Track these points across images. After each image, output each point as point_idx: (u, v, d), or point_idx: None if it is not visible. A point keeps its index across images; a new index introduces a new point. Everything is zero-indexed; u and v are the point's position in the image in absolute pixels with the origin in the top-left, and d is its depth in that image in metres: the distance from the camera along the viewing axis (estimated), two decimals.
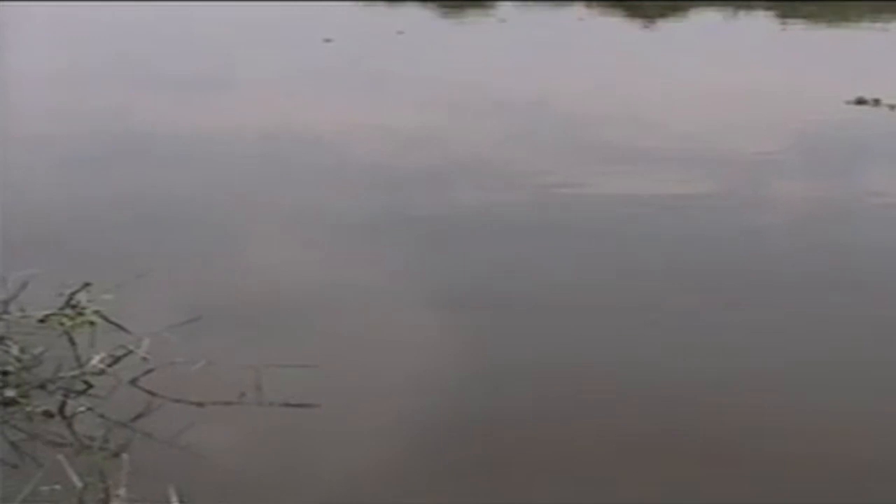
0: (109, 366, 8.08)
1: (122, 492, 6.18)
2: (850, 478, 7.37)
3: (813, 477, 7.33)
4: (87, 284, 8.97)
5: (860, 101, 20.82)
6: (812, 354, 9.44)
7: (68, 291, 8.91)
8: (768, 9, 42.03)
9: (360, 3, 47.44)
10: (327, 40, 32.55)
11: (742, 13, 42.04)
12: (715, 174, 16.17)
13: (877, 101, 20.56)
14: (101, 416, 7.67)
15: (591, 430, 8.02)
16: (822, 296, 11.08)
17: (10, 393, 7.81)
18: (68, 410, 7.70)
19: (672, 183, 15.51)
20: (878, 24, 38.80)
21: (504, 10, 43.82)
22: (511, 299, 10.81)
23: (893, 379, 9.10)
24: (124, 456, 6.80)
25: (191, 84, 24.84)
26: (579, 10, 43.74)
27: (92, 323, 8.74)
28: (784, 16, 40.57)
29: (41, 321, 8.71)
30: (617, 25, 40.24)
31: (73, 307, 8.84)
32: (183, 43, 34.73)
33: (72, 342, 8.32)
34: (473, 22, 42.10)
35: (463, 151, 17.69)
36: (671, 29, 39.47)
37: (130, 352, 8.18)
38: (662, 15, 41.30)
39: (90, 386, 7.96)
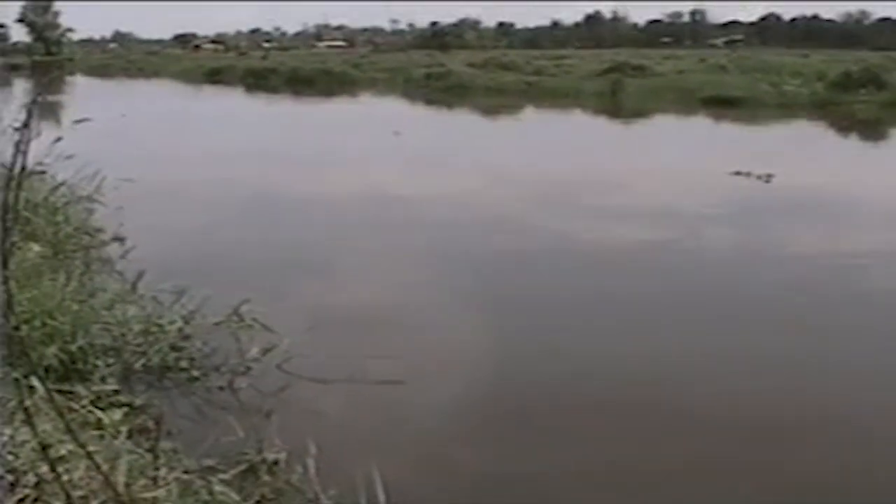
0: (262, 356, 9.49)
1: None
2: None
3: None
4: (245, 300, 10.22)
5: (738, 173, 22.79)
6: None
7: (234, 305, 10.16)
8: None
9: (419, 104, 50.51)
10: (397, 133, 34.65)
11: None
12: (663, 225, 17.94)
13: (748, 174, 22.69)
14: (257, 389, 9.05)
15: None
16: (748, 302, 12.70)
17: (195, 373, 9.21)
18: (234, 385, 9.11)
19: (637, 230, 17.27)
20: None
21: (528, 113, 47.10)
22: (535, 306, 12.46)
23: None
24: (273, 417, 8.39)
25: (307, 162, 27.18)
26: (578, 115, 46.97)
27: (250, 326, 10.00)
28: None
29: (216, 325, 9.99)
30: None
31: (238, 315, 10.11)
32: (298, 133, 37.27)
33: (236, 339, 9.75)
34: (504, 121, 44.60)
35: (496, 211, 19.44)
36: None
37: (276, 346, 9.58)
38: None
39: (249, 369, 9.35)
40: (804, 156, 29.33)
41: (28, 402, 4.52)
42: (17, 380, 4.64)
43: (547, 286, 13.64)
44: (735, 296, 13.22)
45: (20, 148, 3.93)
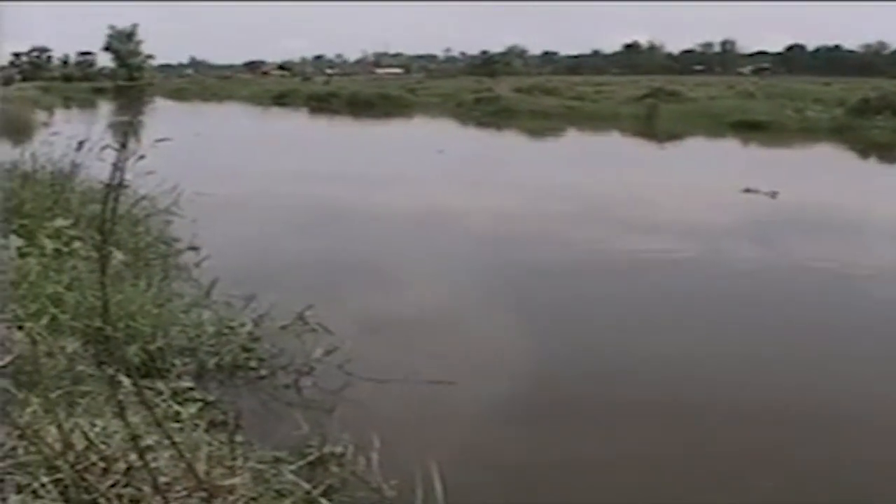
0: (324, 356, 9.58)
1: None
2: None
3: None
4: (309, 306, 10.33)
5: (748, 190, 23.01)
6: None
7: (299, 310, 10.28)
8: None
9: (470, 127, 50.88)
10: (440, 151, 34.83)
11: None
12: (685, 238, 18.08)
13: (756, 191, 22.88)
14: (319, 388, 9.17)
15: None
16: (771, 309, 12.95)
17: (263, 372, 9.31)
18: (299, 384, 9.21)
19: (660, 242, 17.44)
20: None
21: (570, 135, 47.35)
22: (574, 311, 12.64)
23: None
24: (335, 413, 8.58)
25: (365, 178, 27.18)
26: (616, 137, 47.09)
27: (314, 330, 10.10)
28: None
29: (282, 328, 10.08)
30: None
31: (302, 320, 10.21)
32: (357, 151, 37.58)
33: (301, 341, 9.91)
34: (547, 142, 44.70)
35: (537, 225, 19.57)
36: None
37: (337, 348, 9.65)
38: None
39: (313, 369, 9.42)
40: (814, 176, 29.85)
41: (122, 397, 4.62)
42: (111, 376, 4.75)
43: (584, 293, 13.75)
44: (733, 298, 13.54)
45: (118, 165, 4.01)
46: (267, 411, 8.60)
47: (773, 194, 22.67)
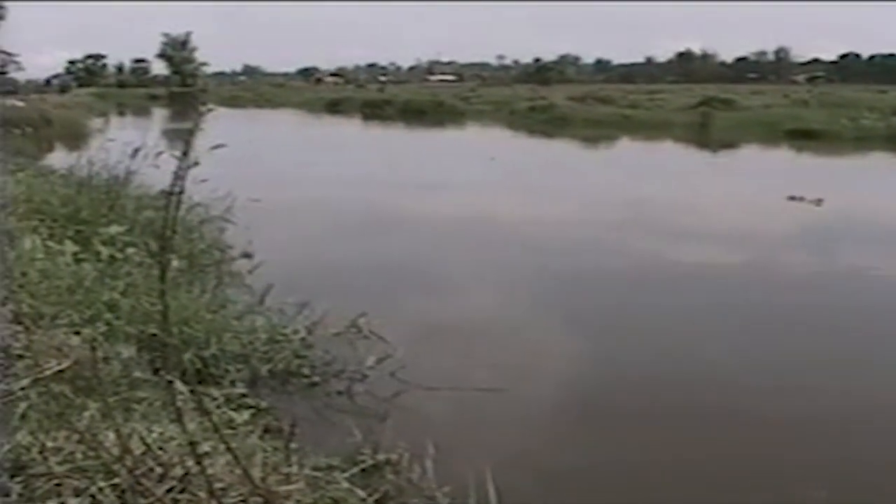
0: (377, 364, 9.60)
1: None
2: None
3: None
4: (362, 313, 10.43)
5: (792, 198, 22.95)
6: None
7: (351, 317, 10.40)
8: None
9: (523, 135, 50.89)
10: (492, 159, 34.88)
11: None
12: (726, 245, 18.14)
13: (802, 198, 22.83)
14: (372, 395, 9.17)
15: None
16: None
17: (315, 379, 9.31)
18: (352, 391, 9.20)
19: (704, 250, 17.55)
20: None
21: (623, 143, 47.55)
22: (625, 319, 12.60)
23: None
24: (387, 420, 8.55)
25: (417, 185, 27.38)
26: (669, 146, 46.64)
27: (367, 337, 10.22)
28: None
29: (335, 335, 10.16)
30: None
31: (355, 327, 10.32)
32: (410, 158, 37.70)
33: (354, 349, 9.97)
34: (600, 151, 44.73)
35: (588, 232, 19.63)
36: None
37: (390, 356, 9.71)
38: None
39: (366, 376, 9.43)
40: (864, 184, 29.60)
41: (179, 403, 4.65)
42: (170, 382, 4.79)
43: (634, 301, 13.73)
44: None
45: (179, 174, 4.05)
46: (319, 418, 8.62)
47: (819, 202, 22.60)
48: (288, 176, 28.40)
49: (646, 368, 10.60)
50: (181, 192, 4.21)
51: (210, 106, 4.29)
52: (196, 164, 4.22)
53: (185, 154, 4.03)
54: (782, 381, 10.15)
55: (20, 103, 56.43)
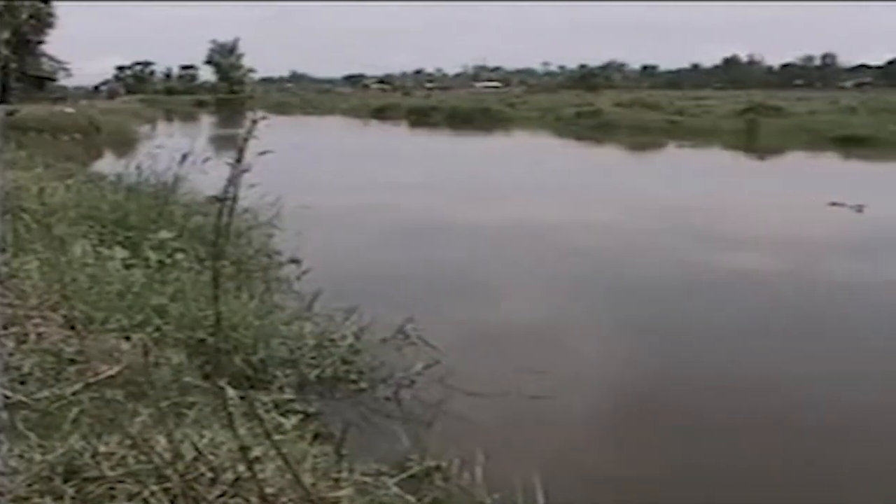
0: (424, 369, 9.62)
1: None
2: None
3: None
4: (409, 319, 10.44)
5: (833, 204, 22.87)
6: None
7: (399, 322, 10.42)
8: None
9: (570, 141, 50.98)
10: (538, 164, 34.96)
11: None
12: (786, 252, 18.09)
13: (843, 204, 22.73)
14: (419, 400, 9.15)
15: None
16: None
17: (363, 384, 9.29)
18: (399, 397, 9.20)
19: (762, 259, 17.43)
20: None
21: (670, 149, 47.64)
22: (672, 326, 12.55)
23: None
24: (435, 426, 8.57)
25: (463, 191, 27.60)
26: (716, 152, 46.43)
27: (414, 343, 10.23)
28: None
29: (383, 341, 10.17)
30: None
31: (402, 333, 10.35)
32: (456, 164, 37.81)
33: (401, 354, 10.00)
34: (647, 157, 44.66)
35: (634, 238, 19.61)
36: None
37: (437, 362, 9.75)
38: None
39: (413, 382, 9.44)
40: None
41: (231, 409, 4.68)
42: (221, 388, 4.82)
43: (681, 307, 13.69)
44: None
45: (232, 181, 4.08)
46: (367, 424, 8.58)
47: (860, 208, 22.49)
48: (334, 181, 28.50)
49: (692, 375, 10.56)
50: (234, 199, 4.23)
51: (262, 114, 4.30)
52: (244, 170, 4.23)
53: (237, 161, 4.04)
54: (832, 390, 10.08)
55: (70, 109, 56.92)
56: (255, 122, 4.07)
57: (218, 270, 4.28)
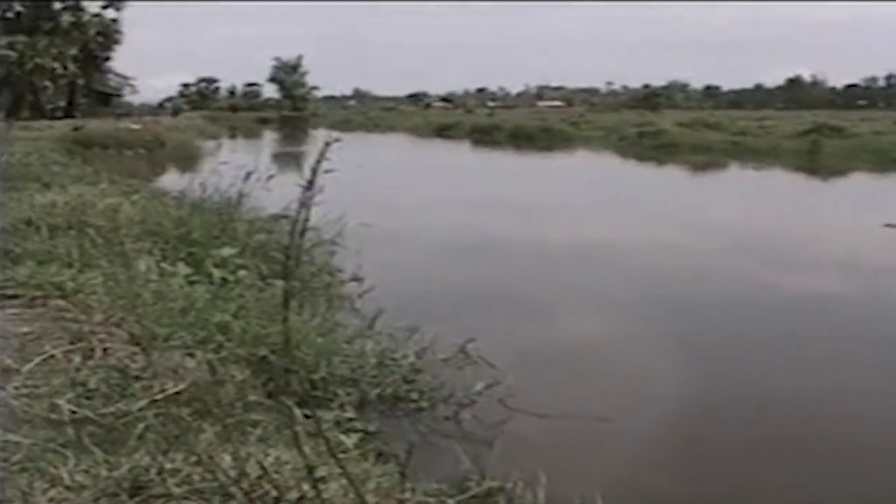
0: (485, 390, 9.54)
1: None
2: None
3: None
4: (471, 339, 10.43)
5: (888, 225, 22.63)
6: None
7: (459, 342, 10.39)
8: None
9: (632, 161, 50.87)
10: (598, 184, 34.83)
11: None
12: (847, 275, 17.88)
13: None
14: (480, 421, 9.07)
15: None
16: None
17: (423, 404, 9.27)
18: (459, 417, 9.13)
19: (822, 281, 17.23)
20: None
21: (731, 170, 47.30)
22: (731, 350, 12.38)
23: None
24: (495, 447, 8.48)
25: (524, 210, 27.52)
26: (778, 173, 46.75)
27: (475, 362, 10.20)
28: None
29: (444, 361, 10.16)
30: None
31: (464, 353, 10.31)
32: (518, 183, 37.79)
33: (462, 374, 9.94)
34: (709, 177, 44.44)
35: (693, 259, 19.48)
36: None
37: (498, 382, 9.64)
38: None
39: (473, 402, 9.37)
40: None
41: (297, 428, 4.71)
42: (288, 407, 4.85)
43: (743, 329, 13.56)
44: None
45: (305, 203, 4.12)
46: (427, 443, 8.57)
47: None
48: (397, 200, 28.59)
49: (755, 398, 10.45)
50: (307, 221, 4.27)
51: (335, 136, 4.34)
52: (319, 192, 4.27)
53: (310, 183, 4.09)
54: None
55: (135, 125, 57.47)
56: (327, 144, 4.11)
57: (289, 291, 4.31)
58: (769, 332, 13.38)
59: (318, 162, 4.06)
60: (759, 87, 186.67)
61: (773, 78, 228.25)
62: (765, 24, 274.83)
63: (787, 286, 16.51)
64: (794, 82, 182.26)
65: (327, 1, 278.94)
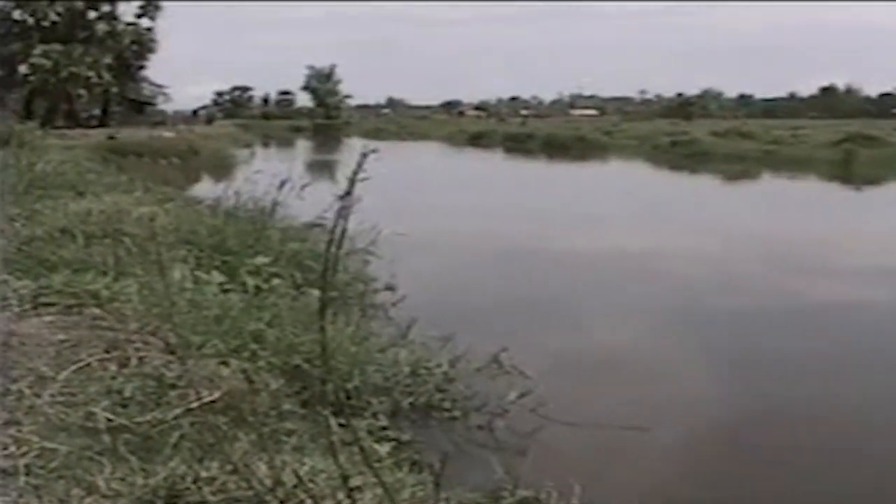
0: (518, 399, 9.53)
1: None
2: None
3: None
4: (504, 349, 10.33)
5: None
6: None
7: (493, 351, 10.30)
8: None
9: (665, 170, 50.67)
10: (631, 193, 34.85)
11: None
12: (884, 284, 17.82)
13: None
14: (512, 430, 9.10)
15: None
16: None
17: (456, 413, 9.32)
18: (492, 426, 9.15)
19: (859, 290, 17.27)
20: None
21: (764, 179, 47.41)
22: (766, 360, 12.32)
23: None
24: (529, 456, 8.55)
25: (556, 219, 27.73)
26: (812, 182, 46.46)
27: (507, 372, 10.14)
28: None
29: (477, 370, 10.11)
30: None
31: (497, 362, 10.23)
32: (550, 192, 37.78)
33: (495, 383, 9.90)
34: (742, 186, 44.45)
35: (726, 267, 19.80)
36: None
37: (531, 391, 9.60)
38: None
39: (506, 411, 9.38)
40: None
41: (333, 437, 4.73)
42: (325, 416, 4.87)
43: (777, 340, 13.55)
44: None
45: (342, 214, 4.14)
46: (459, 452, 8.58)
47: None
48: (429, 208, 28.63)
49: (792, 407, 10.44)
50: (344, 231, 4.29)
51: (372, 146, 4.36)
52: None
53: (347, 194, 4.11)
54: None
55: (169, 134, 57.74)
56: (364, 155, 4.13)
57: (326, 301, 4.33)
58: (805, 341, 13.37)
59: (355, 173, 4.08)
60: (792, 96, 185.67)
61: (807, 87, 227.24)
62: (799, 32, 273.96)
63: (822, 295, 16.47)
64: (828, 91, 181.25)
65: (361, 1, 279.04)
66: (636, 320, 14.56)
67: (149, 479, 5.35)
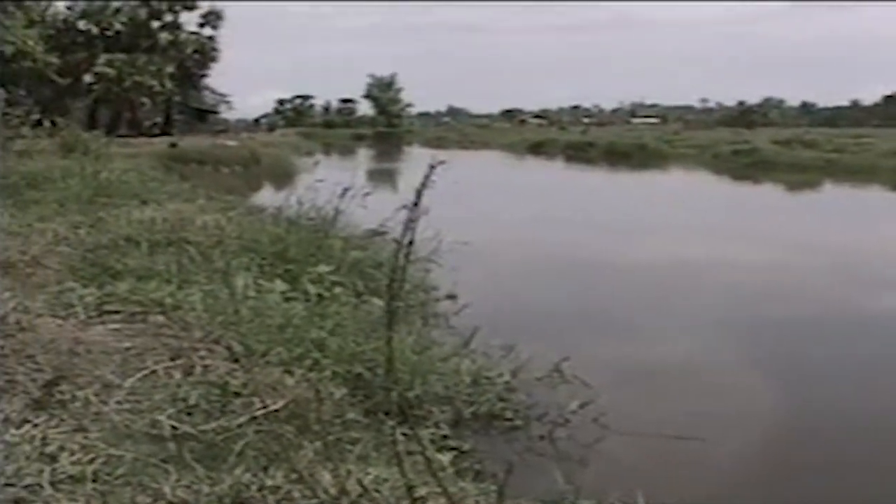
0: (579, 409, 9.52)
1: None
2: None
3: None
4: (565, 358, 10.38)
5: None
6: None
7: (553, 360, 10.36)
8: None
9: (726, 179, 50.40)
10: (690, 202, 34.63)
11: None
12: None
13: None
14: (574, 440, 9.08)
15: None
16: None
17: (518, 422, 9.29)
18: (553, 436, 9.11)
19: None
20: None
21: (827, 189, 46.66)
22: (824, 372, 12.35)
23: None
24: (590, 466, 8.54)
25: (617, 229, 27.54)
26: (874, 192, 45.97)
27: (568, 381, 10.18)
28: None
29: (538, 380, 10.17)
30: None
31: (558, 371, 10.29)
32: (612, 202, 37.69)
33: (556, 393, 9.96)
34: (803, 196, 44.11)
35: (785, 278, 19.52)
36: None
37: (592, 401, 9.61)
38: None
39: (567, 421, 9.37)
40: None
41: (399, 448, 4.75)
42: (392, 426, 4.89)
43: (835, 350, 13.48)
44: None
45: (409, 224, 4.16)
46: (521, 462, 8.46)
47: None
48: (491, 217, 28.64)
49: (851, 421, 10.33)
50: (411, 242, 4.32)
51: (439, 158, 4.39)
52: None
53: (416, 204, 4.13)
54: None
55: (231, 142, 58.08)
56: (432, 167, 4.15)
57: (393, 312, 4.36)
58: (868, 354, 13.24)
59: (423, 184, 4.10)
60: (855, 105, 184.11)
61: (871, 95, 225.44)
62: (861, 39, 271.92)
63: (887, 308, 16.31)
64: (892, 99, 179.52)
65: (424, 1, 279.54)
66: (697, 331, 14.50)
67: (214, 486, 5.39)
